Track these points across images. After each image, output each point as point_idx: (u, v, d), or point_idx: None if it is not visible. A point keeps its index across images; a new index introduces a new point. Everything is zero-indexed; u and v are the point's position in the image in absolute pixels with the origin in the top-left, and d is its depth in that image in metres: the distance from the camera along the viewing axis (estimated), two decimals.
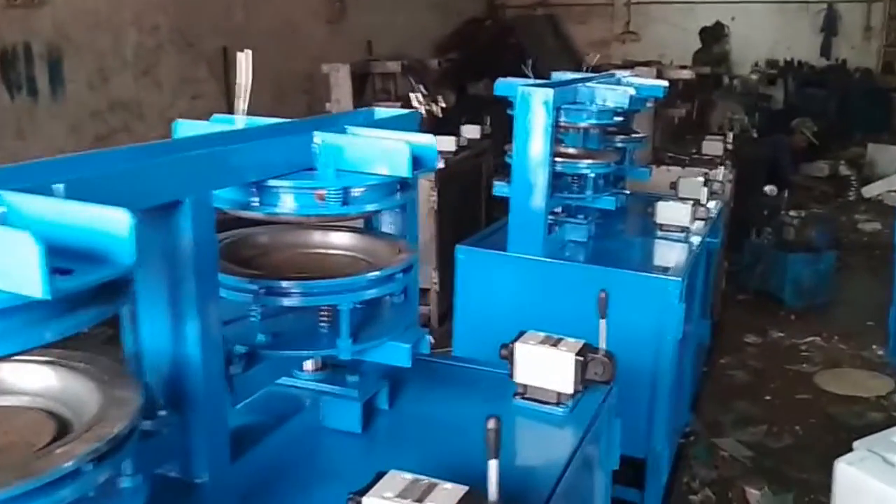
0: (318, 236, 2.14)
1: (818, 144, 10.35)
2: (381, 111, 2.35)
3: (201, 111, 8.91)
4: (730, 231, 6.12)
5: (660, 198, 4.35)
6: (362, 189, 1.86)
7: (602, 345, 2.25)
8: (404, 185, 2.04)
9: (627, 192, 4.52)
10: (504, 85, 3.76)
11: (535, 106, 3.44)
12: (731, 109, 8.47)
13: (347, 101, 5.45)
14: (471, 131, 6.29)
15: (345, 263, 2.09)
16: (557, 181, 3.77)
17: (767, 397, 5.06)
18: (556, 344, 2.20)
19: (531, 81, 3.70)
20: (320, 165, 1.83)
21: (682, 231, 4.06)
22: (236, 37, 8.54)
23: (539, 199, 3.51)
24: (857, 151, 12.08)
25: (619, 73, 4.73)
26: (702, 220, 4.18)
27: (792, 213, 6.78)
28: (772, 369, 5.46)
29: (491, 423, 1.47)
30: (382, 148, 1.86)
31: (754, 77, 12.73)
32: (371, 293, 1.91)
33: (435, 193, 5.41)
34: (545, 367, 2.17)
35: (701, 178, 4.47)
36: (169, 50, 7.95)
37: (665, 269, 3.49)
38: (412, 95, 5.96)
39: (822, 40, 14.20)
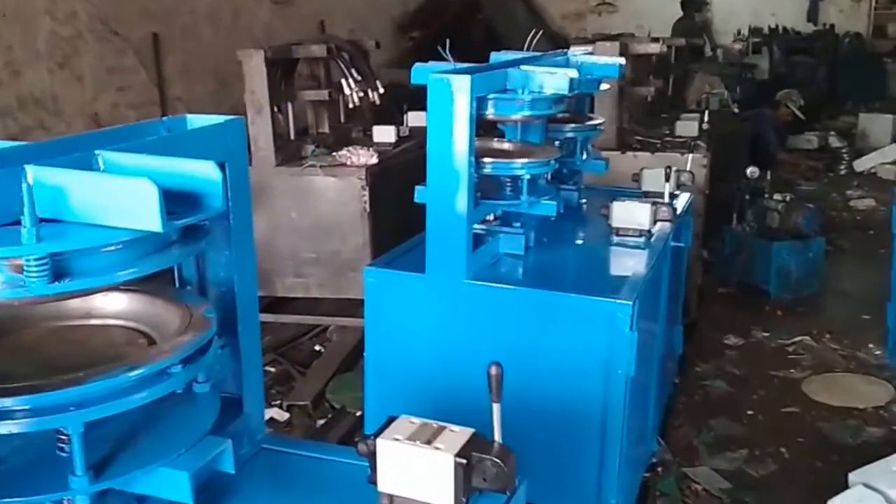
0: (79, 301, 1.54)
1: (804, 119, 9.69)
2: (197, 119, 1.76)
3: (129, 103, 8.23)
4: (708, 218, 5.52)
5: (617, 195, 3.79)
6: (102, 251, 1.27)
7: (497, 436, 1.65)
8: (192, 230, 1.45)
9: (576, 189, 3.94)
10: (420, 71, 3.15)
11: (450, 96, 2.82)
12: (709, 83, 7.84)
13: (263, 93, 4.78)
14: (417, 118, 5.65)
15: (110, 345, 1.49)
16: (488, 184, 3.18)
17: (749, 412, 4.47)
18: (432, 438, 1.59)
19: (449, 66, 3.08)
20: (25, 218, 1.22)
21: (641, 235, 3.47)
22: (168, 21, 8.00)
23: (460, 208, 2.89)
24: (848, 121, 11.46)
25: (574, 50, 4.10)
26: (665, 220, 3.57)
27: (776, 196, 6.15)
28: (755, 377, 4.86)
29: None
30: (116, 189, 1.25)
31: (737, 46, 12.06)
32: (124, 404, 1.31)
33: (366, 192, 4.78)
34: (417, 470, 1.57)
35: (665, 170, 3.86)
36: (89, 39, 7.33)
37: (615, 289, 2.88)
38: (343, 82, 5.31)
39: (809, 4, 13.56)
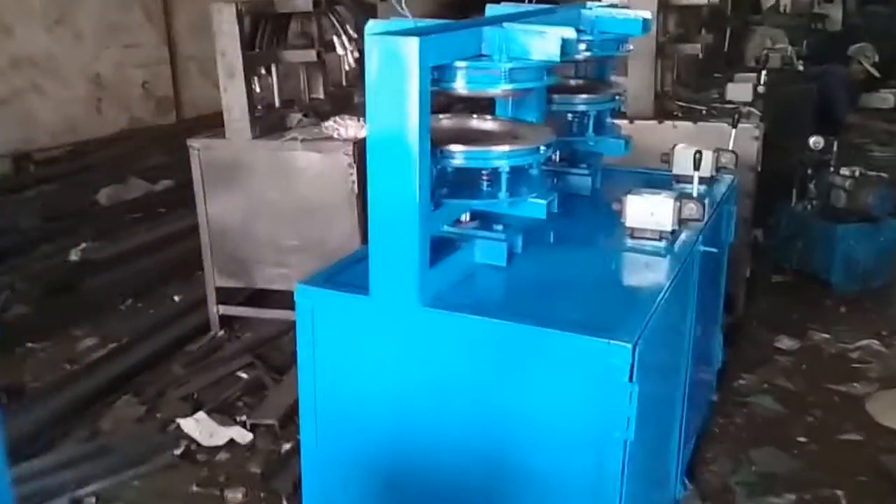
0: None
1: (880, 76, 8.64)
2: None
3: (136, 62, 7.58)
4: (761, 195, 4.69)
5: (640, 181, 3.08)
6: None
7: None
8: None
9: (589, 173, 3.20)
10: (371, 30, 2.44)
11: (396, 64, 2.11)
12: (770, 37, 6.92)
13: (235, 54, 4.11)
14: None
15: None
16: (461, 176, 2.49)
17: (800, 438, 3.73)
18: None
19: (403, 24, 2.35)
20: None
21: (661, 239, 2.74)
22: None
23: (410, 210, 2.19)
24: None
25: (599, 3, 3.34)
26: (694, 220, 2.82)
27: (843, 171, 5.29)
28: (810, 392, 4.10)
29: None
30: None
31: None
32: None
33: (354, 170, 4.11)
34: None
35: (694, 154, 3.10)
36: None
37: (612, 323, 2.16)
38: (335, 40, 4.61)
39: None
